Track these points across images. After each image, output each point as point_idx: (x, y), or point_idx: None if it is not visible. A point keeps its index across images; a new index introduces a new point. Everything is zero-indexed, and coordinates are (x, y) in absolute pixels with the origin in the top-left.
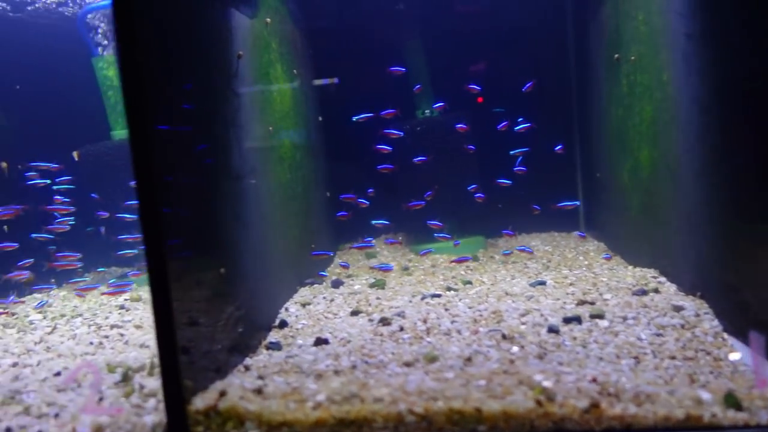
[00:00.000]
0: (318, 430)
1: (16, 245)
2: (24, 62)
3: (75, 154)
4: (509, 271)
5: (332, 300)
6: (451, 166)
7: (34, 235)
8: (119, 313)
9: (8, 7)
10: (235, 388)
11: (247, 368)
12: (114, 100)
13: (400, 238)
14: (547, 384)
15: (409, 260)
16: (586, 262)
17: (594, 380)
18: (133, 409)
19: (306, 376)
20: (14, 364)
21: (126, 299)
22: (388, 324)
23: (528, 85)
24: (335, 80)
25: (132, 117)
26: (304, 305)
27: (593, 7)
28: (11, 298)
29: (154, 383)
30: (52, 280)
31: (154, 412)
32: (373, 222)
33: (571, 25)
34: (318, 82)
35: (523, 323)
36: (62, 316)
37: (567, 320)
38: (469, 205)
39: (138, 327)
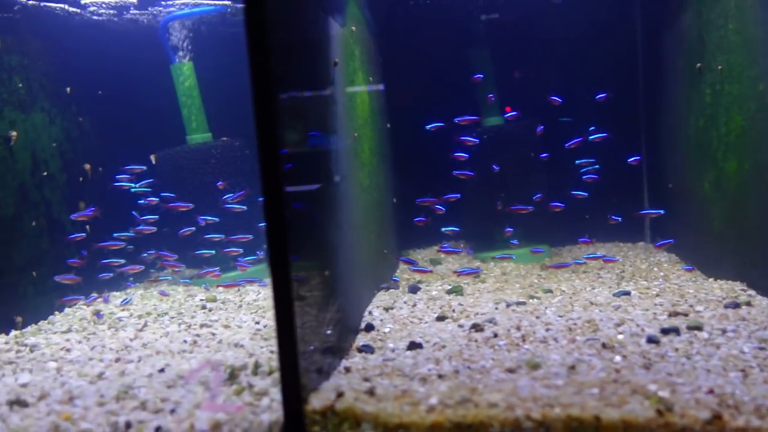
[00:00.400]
0: None
1: (122, 244)
2: (105, 68)
3: (153, 158)
4: (583, 280)
5: (414, 305)
6: (517, 174)
7: (116, 234)
8: (204, 313)
9: (89, 13)
10: (347, 389)
11: (347, 370)
12: (190, 106)
13: (462, 244)
14: (663, 394)
15: (476, 267)
16: (662, 273)
17: (711, 391)
18: (247, 407)
19: (410, 379)
20: (117, 360)
21: (202, 299)
22: (481, 330)
23: (601, 96)
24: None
25: (261, 124)
26: (387, 309)
27: (669, 16)
28: (106, 296)
29: (262, 382)
30: (131, 279)
31: (269, 411)
32: (443, 229)
33: (641, 34)
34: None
35: (620, 333)
36: (148, 314)
37: (665, 331)
38: (535, 213)
39: (226, 327)
